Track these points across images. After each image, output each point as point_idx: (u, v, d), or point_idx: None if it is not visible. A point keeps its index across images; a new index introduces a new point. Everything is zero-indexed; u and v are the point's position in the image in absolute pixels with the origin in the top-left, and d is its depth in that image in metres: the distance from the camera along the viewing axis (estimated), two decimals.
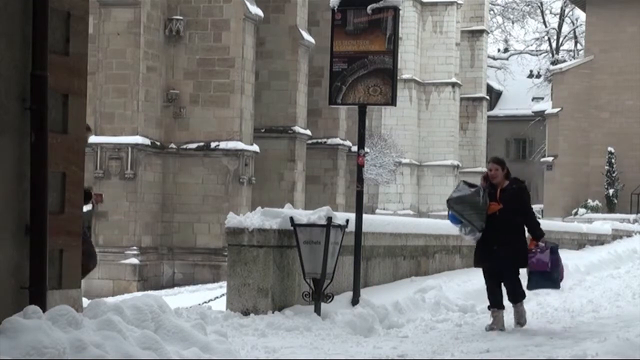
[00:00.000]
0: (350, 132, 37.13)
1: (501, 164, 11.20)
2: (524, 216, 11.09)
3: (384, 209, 50.97)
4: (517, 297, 11.23)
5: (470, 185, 11.10)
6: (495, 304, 11.12)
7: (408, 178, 52.67)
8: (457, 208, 10.96)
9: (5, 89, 6.48)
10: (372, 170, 44.35)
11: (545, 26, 74.96)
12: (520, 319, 11.29)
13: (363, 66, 11.52)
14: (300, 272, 10.90)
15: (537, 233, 11.17)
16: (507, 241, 10.88)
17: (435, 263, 15.95)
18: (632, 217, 40.18)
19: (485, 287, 11.30)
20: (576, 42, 72.03)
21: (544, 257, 11.00)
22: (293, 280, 11.18)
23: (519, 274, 11.17)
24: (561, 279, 11.38)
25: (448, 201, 11.18)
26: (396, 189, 52.17)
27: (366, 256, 12.93)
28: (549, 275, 11.09)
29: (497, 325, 10.98)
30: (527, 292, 11.50)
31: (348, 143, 37.93)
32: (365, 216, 12.10)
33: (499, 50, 77.23)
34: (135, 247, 28.91)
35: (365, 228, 11.93)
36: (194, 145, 30.31)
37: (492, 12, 70.49)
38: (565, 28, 74.21)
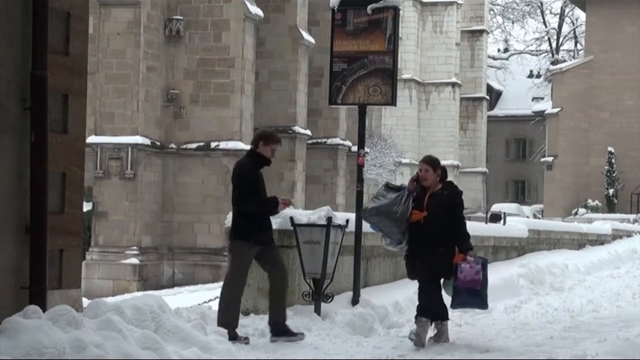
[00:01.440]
0: (350, 132, 37.12)
1: (433, 164, 9.88)
2: (452, 225, 9.70)
3: None
4: (436, 314, 9.77)
5: (394, 189, 9.91)
6: (426, 314, 9.77)
7: (408, 178, 52.67)
8: (373, 220, 9.89)
9: (5, 89, 6.49)
10: (372, 170, 44.35)
11: (545, 26, 74.98)
12: (438, 338, 9.81)
13: (363, 66, 11.52)
14: (300, 272, 10.89)
15: (464, 246, 9.70)
16: (431, 252, 9.61)
17: None
18: (632, 217, 40.14)
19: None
20: (576, 42, 72.05)
21: (475, 274, 9.57)
22: (293, 280, 11.16)
23: (439, 288, 9.79)
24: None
25: (363, 212, 10.14)
26: None
27: (366, 256, 12.92)
28: (478, 294, 9.67)
29: (421, 336, 9.63)
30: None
31: (348, 143, 37.92)
32: None
33: (499, 50, 77.26)
34: (135, 247, 28.90)
35: (365, 228, 11.92)
36: (194, 145, 30.30)
37: (492, 12, 70.51)
38: (565, 28, 74.25)
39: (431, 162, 9.90)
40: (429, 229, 9.60)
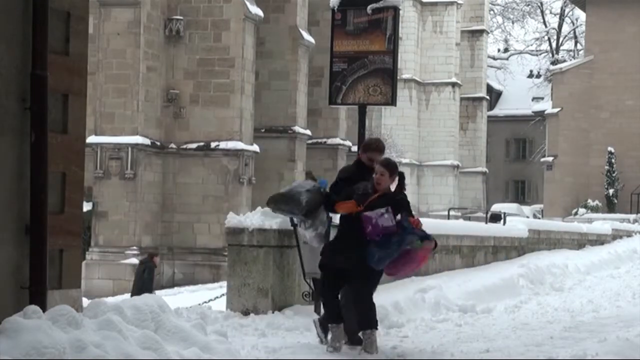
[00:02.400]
0: (350, 132, 37.13)
1: (390, 168, 8.98)
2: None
3: None
4: (363, 322, 8.78)
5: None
6: (332, 318, 8.89)
7: (408, 178, 52.39)
8: (271, 206, 9.55)
9: (5, 89, 6.48)
10: None
11: (545, 26, 74.99)
12: (368, 348, 8.76)
13: (363, 66, 11.54)
14: (300, 272, 10.88)
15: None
16: (359, 247, 8.69)
17: (435, 263, 15.94)
18: (632, 217, 40.15)
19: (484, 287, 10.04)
20: (576, 42, 72.05)
21: (379, 216, 8.47)
22: (293, 280, 11.17)
23: (369, 290, 8.88)
24: (411, 242, 8.59)
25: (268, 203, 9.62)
26: None
27: None
28: (389, 244, 8.49)
29: (338, 342, 8.85)
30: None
31: (348, 143, 37.95)
32: None
33: (499, 50, 77.26)
34: (135, 247, 28.91)
35: None
36: (194, 145, 30.31)
37: (492, 12, 70.50)
38: (565, 28, 74.26)
39: (388, 165, 9.00)
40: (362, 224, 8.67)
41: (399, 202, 8.91)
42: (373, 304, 8.85)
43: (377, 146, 9.62)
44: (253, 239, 10.97)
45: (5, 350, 5.72)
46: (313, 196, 9.30)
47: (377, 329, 8.88)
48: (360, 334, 8.91)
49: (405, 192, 9.29)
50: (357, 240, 8.70)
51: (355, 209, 8.77)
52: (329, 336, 9.03)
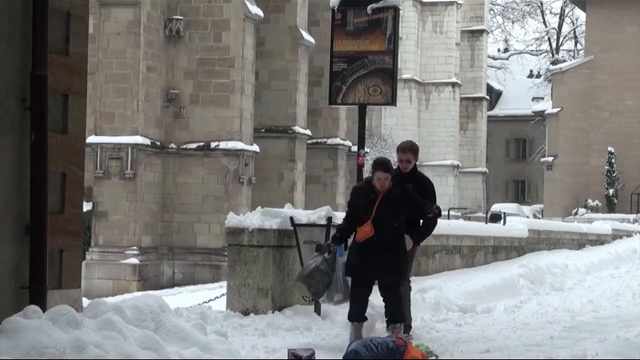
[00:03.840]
0: (350, 132, 37.12)
1: (390, 170, 9.25)
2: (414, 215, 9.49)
3: None
4: (395, 317, 9.40)
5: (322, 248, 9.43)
6: (356, 317, 9.39)
7: None
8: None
9: (5, 89, 6.48)
10: None
11: (545, 26, 74.98)
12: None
13: (363, 66, 11.55)
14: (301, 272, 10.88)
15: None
16: (388, 252, 9.16)
17: (435, 263, 15.94)
18: (632, 217, 40.15)
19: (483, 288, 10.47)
20: (576, 42, 72.05)
21: None
22: (293, 280, 11.17)
23: (399, 288, 9.47)
24: None
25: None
26: None
27: None
28: None
29: (355, 339, 9.08)
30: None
31: (348, 143, 37.93)
32: None
33: (499, 50, 77.24)
34: (135, 247, 28.89)
35: None
36: (194, 145, 30.29)
37: (492, 12, 70.49)
38: (565, 28, 74.24)
39: (388, 169, 9.22)
40: (380, 236, 9.07)
41: (404, 197, 9.25)
42: (401, 301, 9.49)
43: (402, 146, 10.30)
44: (253, 239, 10.97)
45: (5, 350, 5.72)
46: (322, 277, 9.42)
47: (403, 323, 9.43)
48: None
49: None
50: (381, 252, 9.09)
51: (370, 229, 9.06)
52: (350, 331, 9.35)
